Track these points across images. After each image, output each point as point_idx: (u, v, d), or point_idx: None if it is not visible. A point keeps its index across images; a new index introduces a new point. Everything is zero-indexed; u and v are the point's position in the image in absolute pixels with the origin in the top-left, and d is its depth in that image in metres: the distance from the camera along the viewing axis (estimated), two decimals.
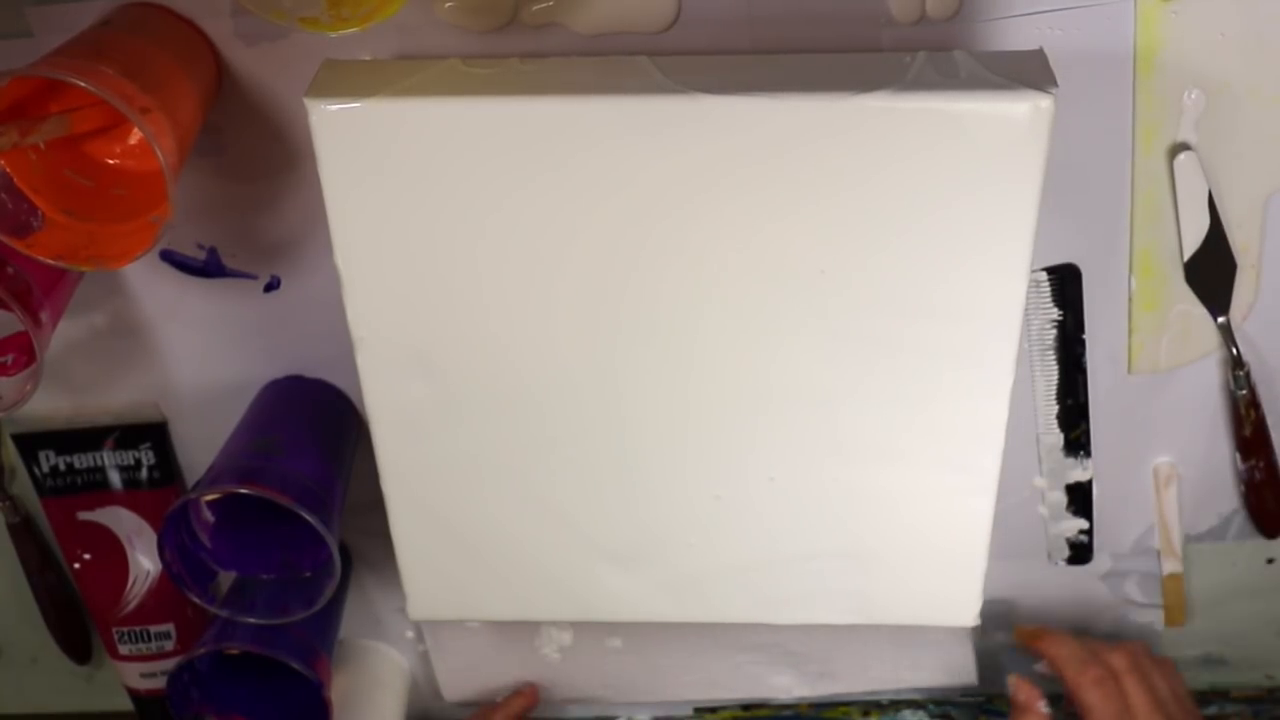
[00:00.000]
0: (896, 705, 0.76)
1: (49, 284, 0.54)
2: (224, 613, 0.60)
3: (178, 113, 0.48)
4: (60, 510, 0.69)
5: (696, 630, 0.72)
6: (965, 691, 0.75)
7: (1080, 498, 0.66)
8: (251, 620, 0.60)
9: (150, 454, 0.67)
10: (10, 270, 0.52)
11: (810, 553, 0.57)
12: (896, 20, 0.53)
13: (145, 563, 0.69)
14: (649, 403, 0.53)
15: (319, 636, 0.65)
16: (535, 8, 0.53)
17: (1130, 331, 0.61)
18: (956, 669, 0.74)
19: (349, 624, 0.71)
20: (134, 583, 0.70)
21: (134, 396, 0.65)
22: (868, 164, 0.46)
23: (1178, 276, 0.59)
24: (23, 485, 0.69)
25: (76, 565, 0.70)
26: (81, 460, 0.67)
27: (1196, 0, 0.52)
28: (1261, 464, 0.64)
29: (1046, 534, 0.68)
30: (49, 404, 0.65)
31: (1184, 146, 0.56)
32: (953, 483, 0.54)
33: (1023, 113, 0.45)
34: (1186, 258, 0.58)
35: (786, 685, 0.75)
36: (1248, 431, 0.63)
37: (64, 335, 0.62)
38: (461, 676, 0.75)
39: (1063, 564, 0.69)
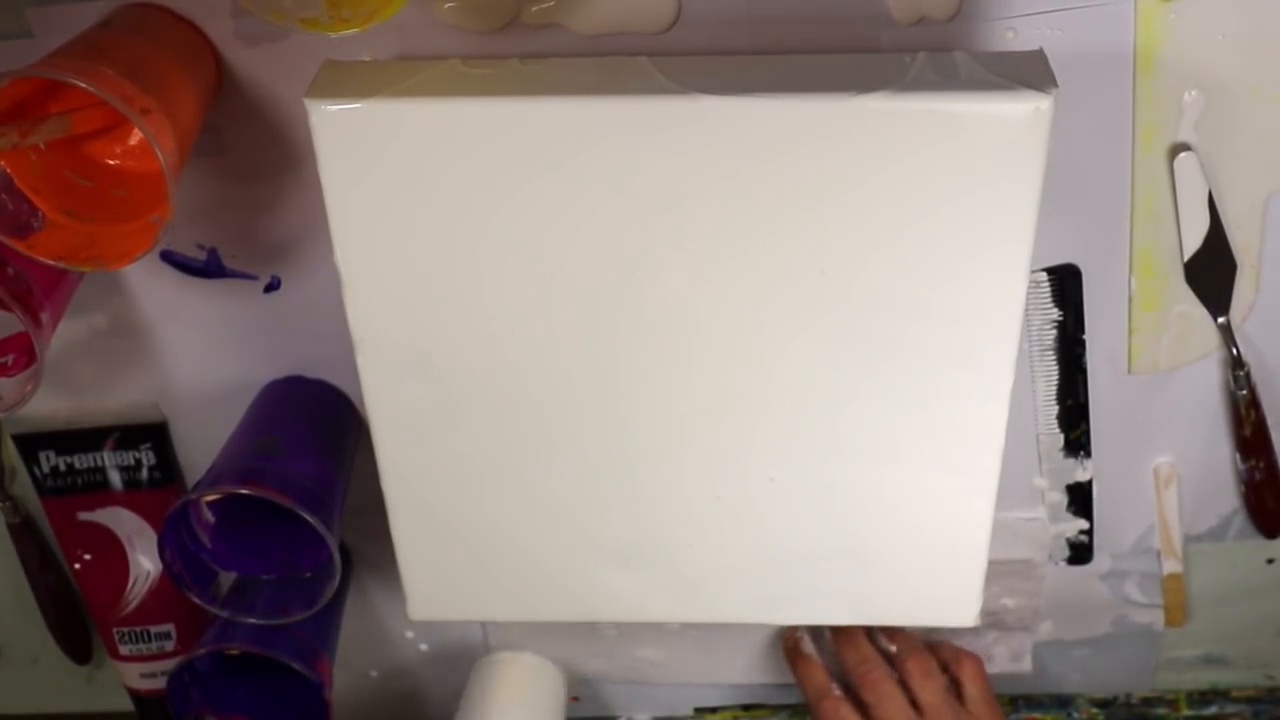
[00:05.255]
0: None
1: (49, 285, 0.54)
2: (224, 613, 0.60)
3: (178, 113, 0.48)
4: (60, 510, 0.69)
5: None
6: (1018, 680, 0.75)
7: (1080, 498, 0.66)
8: (252, 620, 0.60)
9: (150, 454, 0.67)
10: (10, 271, 0.52)
11: (810, 553, 0.57)
12: (896, 20, 0.53)
13: (145, 563, 0.69)
14: (649, 403, 0.53)
15: (319, 637, 0.65)
16: (535, 8, 0.53)
17: (1130, 331, 0.61)
18: (1011, 655, 0.73)
19: (349, 624, 0.71)
20: (134, 583, 0.70)
21: (134, 397, 0.65)
22: (868, 165, 0.46)
23: (1178, 276, 0.59)
24: (23, 485, 0.69)
25: (77, 565, 0.70)
26: (82, 460, 0.67)
27: (1196, 0, 0.52)
28: (1261, 464, 0.64)
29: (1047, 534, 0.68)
30: (49, 404, 0.65)
31: (1184, 146, 0.56)
32: (953, 483, 0.54)
33: (1022, 113, 0.45)
34: (1186, 258, 0.58)
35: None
36: (1248, 431, 0.63)
37: (64, 336, 0.62)
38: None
39: (1063, 564, 0.69)
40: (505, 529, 0.57)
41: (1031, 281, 0.53)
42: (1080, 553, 0.68)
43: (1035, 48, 0.49)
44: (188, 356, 0.64)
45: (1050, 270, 0.59)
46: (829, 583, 0.58)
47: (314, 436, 0.61)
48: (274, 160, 0.57)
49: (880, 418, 0.53)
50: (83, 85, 0.44)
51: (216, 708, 0.65)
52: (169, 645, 0.72)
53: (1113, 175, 0.57)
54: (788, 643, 0.71)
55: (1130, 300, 0.60)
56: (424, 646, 0.75)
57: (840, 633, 0.69)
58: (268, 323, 0.62)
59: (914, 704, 0.65)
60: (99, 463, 0.67)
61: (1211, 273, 0.59)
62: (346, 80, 0.48)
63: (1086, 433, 0.64)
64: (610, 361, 0.52)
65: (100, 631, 0.72)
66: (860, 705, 0.66)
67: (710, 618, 0.60)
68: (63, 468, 0.67)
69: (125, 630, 0.71)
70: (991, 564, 0.58)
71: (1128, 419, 0.64)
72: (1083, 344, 0.61)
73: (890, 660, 0.67)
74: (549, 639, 0.73)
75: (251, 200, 0.58)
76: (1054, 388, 0.63)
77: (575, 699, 0.76)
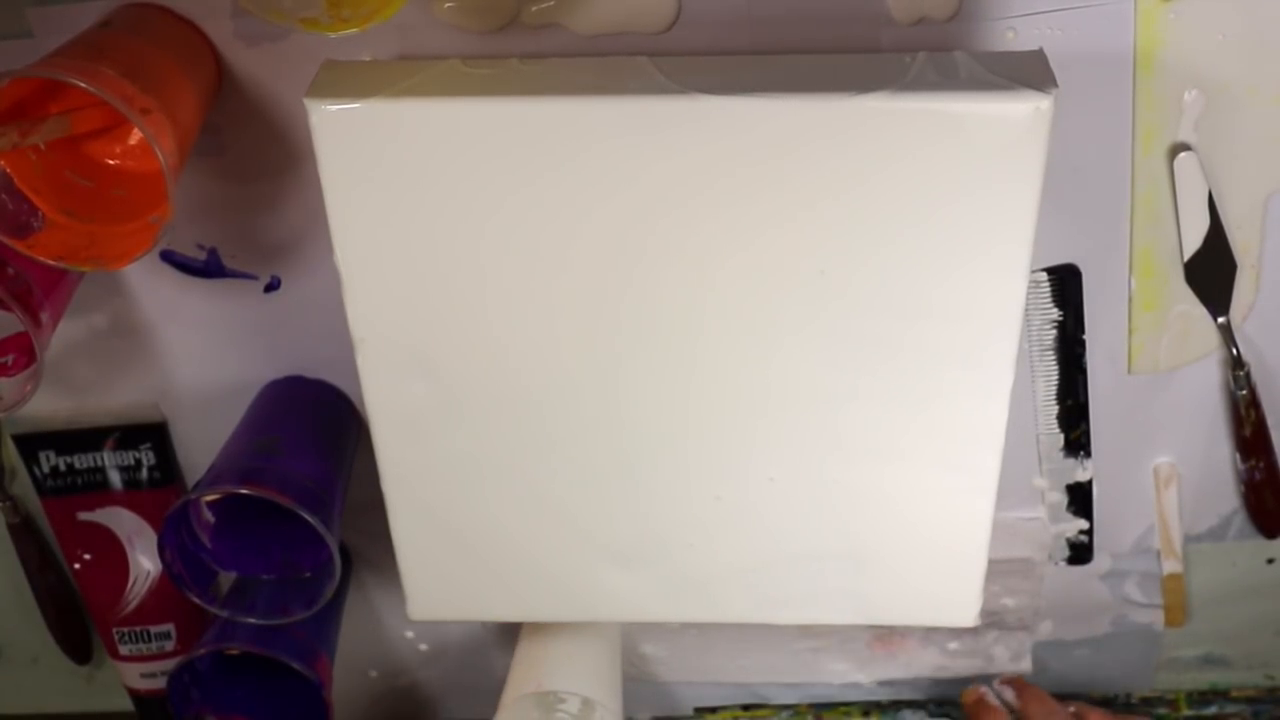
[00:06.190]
0: (897, 705, 0.76)
1: (49, 285, 0.54)
2: (224, 613, 0.60)
3: (178, 113, 0.48)
4: (60, 510, 0.69)
5: None
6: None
7: (1080, 498, 0.66)
8: (252, 620, 0.60)
9: (150, 454, 0.67)
10: (10, 271, 0.52)
11: (810, 553, 0.57)
12: (896, 20, 0.53)
13: (145, 563, 0.69)
14: (649, 403, 0.53)
15: (319, 636, 0.65)
16: (535, 8, 0.53)
17: (1130, 331, 0.61)
18: (1011, 655, 0.74)
19: (349, 624, 0.71)
20: (134, 583, 0.70)
21: (134, 397, 0.65)
22: (867, 164, 0.46)
23: (1178, 276, 0.59)
24: (23, 485, 0.69)
25: (77, 565, 0.70)
26: (82, 460, 0.67)
27: (1196, 0, 0.52)
28: (1261, 464, 0.64)
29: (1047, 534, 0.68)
30: (49, 404, 0.65)
31: (1184, 146, 0.56)
32: (953, 483, 0.54)
33: (1022, 113, 0.45)
34: (1186, 258, 0.58)
35: (843, 671, 0.75)
36: (1248, 431, 0.63)
37: (64, 335, 0.62)
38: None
39: (1063, 564, 0.69)
40: (505, 529, 0.57)
41: (1031, 281, 0.52)
42: (1080, 553, 0.68)
43: (1035, 48, 0.49)
44: (188, 356, 0.64)
45: (1050, 270, 0.59)
46: (830, 583, 0.58)
47: (314, 436, 0.61)
48: (274, 160, 0.57)
49: (880, 417, 0.53)
50: (83, 85, 0.44)
51: (216, 708, 0.65)
52: (169, 645, 0.72)
53: (1113, 175, 0.57)
54: (969, 697, 0.71)
55: (1130, 300, 0.60)
56: (424, 646, 0.75)
57: (1025, 690, 0.70)
58: (268, 323, 0.62)
59: None
60: (99, 463, 0.67)
61: (1211, 273, 0.59)
62: (346, 80, 0.48)
63: (1086, 433, 0.64)
64: (610, 361, 0.52)
65: (100, 631, 0.72)
66: None
67: (711, 618, 0.60)
68: (63, 468, 0.67)
69: (125, 630, 0.71)
70: (991, 563, 0.58)
71: (1128, 419, 0.64)
72: (1083, 344, 0.61)
73: None
74: None
75: (251, 200, 0.58)
76: (1054, 388, 0.63)
77: None
